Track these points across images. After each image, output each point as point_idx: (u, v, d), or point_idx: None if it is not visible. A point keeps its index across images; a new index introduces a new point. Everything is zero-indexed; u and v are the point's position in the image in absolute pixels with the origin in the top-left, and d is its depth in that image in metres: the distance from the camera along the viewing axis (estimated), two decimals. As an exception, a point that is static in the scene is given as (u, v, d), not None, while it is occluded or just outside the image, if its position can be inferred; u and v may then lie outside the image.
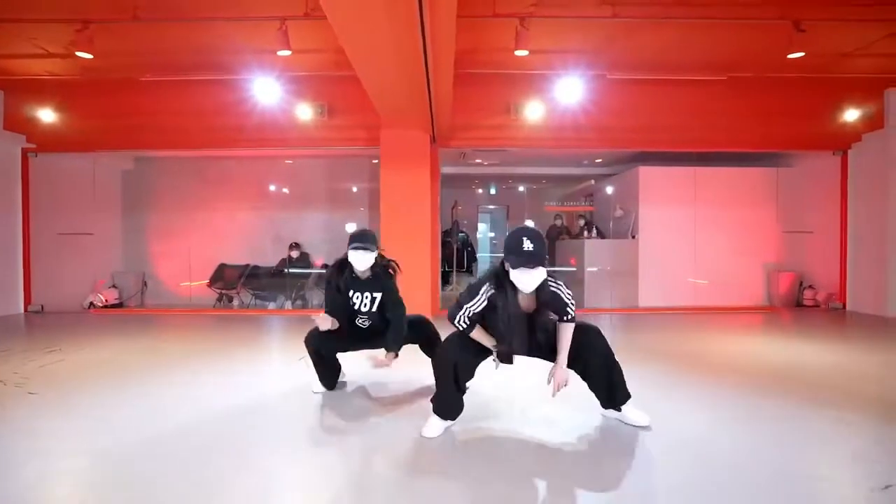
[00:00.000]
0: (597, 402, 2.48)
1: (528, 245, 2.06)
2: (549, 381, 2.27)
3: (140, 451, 2.16)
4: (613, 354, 2.39)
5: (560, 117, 5.96)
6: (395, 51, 3.51)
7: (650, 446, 2.20)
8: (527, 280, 2.11)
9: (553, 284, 2.22)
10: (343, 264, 2.79)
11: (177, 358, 3.98)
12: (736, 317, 6.30)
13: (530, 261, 2.06)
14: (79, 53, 4.27)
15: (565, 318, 2.25)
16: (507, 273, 2.16)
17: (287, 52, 4.28)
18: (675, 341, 4.66)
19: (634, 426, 2.38)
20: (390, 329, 2.79)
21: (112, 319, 6.08)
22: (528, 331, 2.26)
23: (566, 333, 2.27)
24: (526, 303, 2.23)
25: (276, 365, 3.88)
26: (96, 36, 4.20)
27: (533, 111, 6.00)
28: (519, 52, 4.40)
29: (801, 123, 6.42)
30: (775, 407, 2.71)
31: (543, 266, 2.11)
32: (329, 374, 3.01)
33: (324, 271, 7.47)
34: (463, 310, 2.22)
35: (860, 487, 1.85)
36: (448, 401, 2.36)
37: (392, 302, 2.80)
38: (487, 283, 2.20)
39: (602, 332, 2.38)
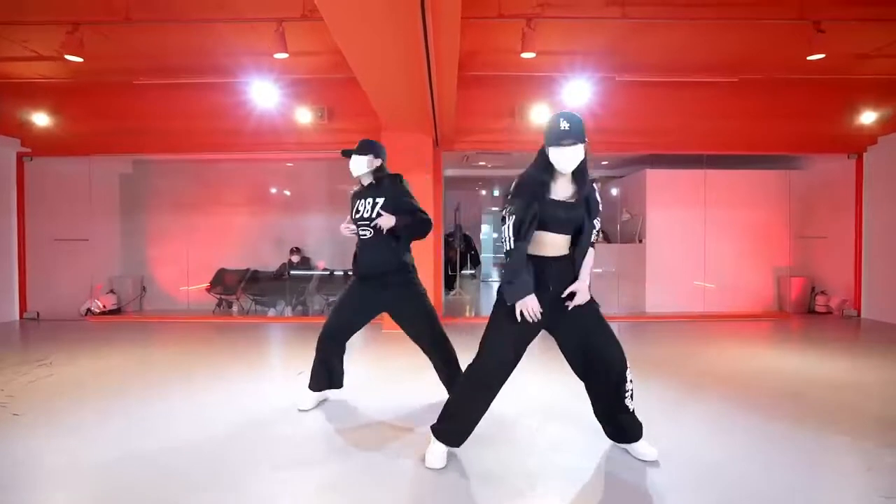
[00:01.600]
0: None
1: (564, 125, 2.07)
2: (564, 294, 2.16)
3: (127, 471, 2.04)
4: (626, 392, 2.21)
5: (566, 120, 5.78)
6: (396, 54, 3.35)
7: (659, 474, 2.06)
8: (563, 159, 2.09)
9: (595, 182, 2.21)
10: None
11: (172, 372, 3.85)
12: (746, 324, 6.14)
13: (566, 137, 2.06)
14: (68, 57, 4.12)
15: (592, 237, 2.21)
16: (547, 160, 2.12)
17: (284, 55, 4.15)
18: (683, 353, 4.51)
19: (641, 460, 2.22)
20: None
21: (109, 327, 5.97)
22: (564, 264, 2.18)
23: (590, 257, 2.22)
24: (567, 193, 2.17)
25: (276, 378, 3.74)
26: (87, 38, 4.05)
27: (538, 114, 5.83)
28: (525, 55, 4.25)
29: (815, 126, 6.24)
30: (785, 429, 2.58)
31: (582, 143, 2.09)
32: (327, 370, 2.90)
33: (325, 275, 7.38)
34: (512, 224, 2.10)
35: None
36: (468, 428, 2.22)
37: (409, 209, 2.70)
38: (529, 178, 2.14)
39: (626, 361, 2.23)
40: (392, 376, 3.70)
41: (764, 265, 7.10)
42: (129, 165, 7.42)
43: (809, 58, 4.24)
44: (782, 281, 7.07)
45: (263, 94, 5.43)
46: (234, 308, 7.11)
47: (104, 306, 6.83)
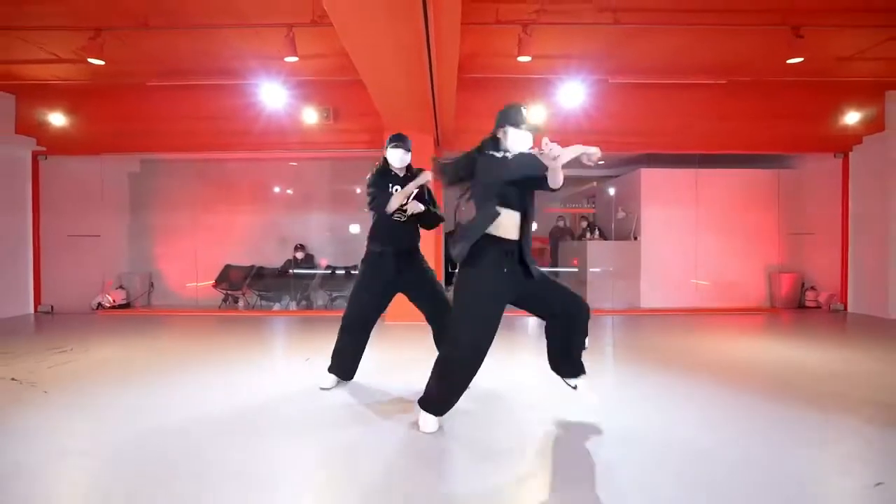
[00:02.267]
0: (603, 407, 2.55)
1: (525, 111, 2.35)
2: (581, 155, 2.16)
3: (145, 447, 2.24)
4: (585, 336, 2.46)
5: (562, 121, 6.02)
6: (400, 58, 3.59)
7: (645, 448, 2.26)
8: (521, 140, 2.33)
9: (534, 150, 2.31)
10: (382, 168, 3.14)
11: (184, 358, 4.07)
12: (738, 318, 6.34)
13: (526, 123, 2.32)
14: (91, 60, 4.36)
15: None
16: (496, 140, 2.36)
17: (294, 59, 4.38)
18: (675, 343, 4.71)
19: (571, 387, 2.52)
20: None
21: (120, 320, 6.18)
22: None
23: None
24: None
25: (283, 365, 3.97)
26: (107, 43, 4.29)
27: (535, 115, 6.06)
28: (522, 59, 4.48)
29: (803, 126, 6.47)
30: (771, 410, 2.76)
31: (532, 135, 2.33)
32: (353, 357, 3.17)
33: (328, 272, 7.59)
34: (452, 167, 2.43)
35: (854, 486, 1.92)
36: (453, 400, 2.42)
37: (430, 202, 3.15)
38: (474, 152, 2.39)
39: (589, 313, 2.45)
40: (399, 363, 3.92)
41: (756, 262, 7.30)
42: (136, 164, 7.63)
43: (789, 61, 4.48)
44: (773, 277, 7.27)
45: (271, 95, 5.65)
46: (240, 303, 7.32)
47: (114, 301, 7.04)
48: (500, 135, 2.35)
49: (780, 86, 6.10)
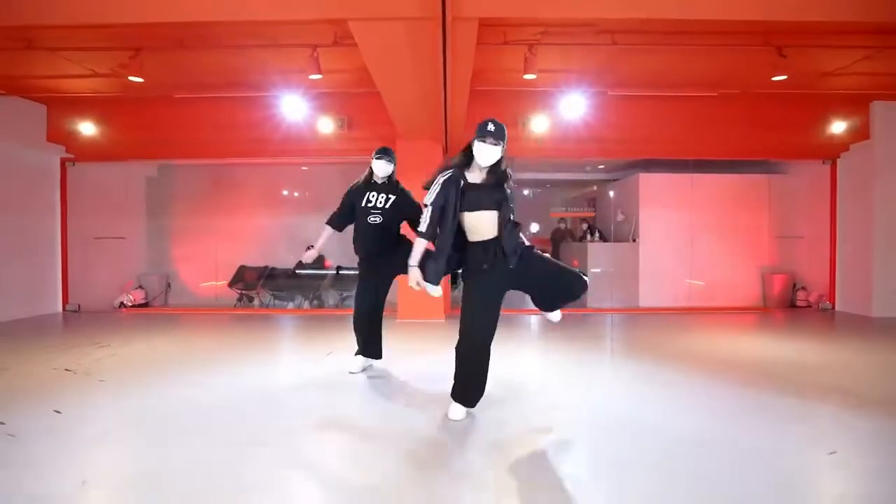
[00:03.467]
0: (602, 400, 2.83)
1: (491, 126, 2.50)
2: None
3: (212, 411, 2.60)
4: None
5: (564, 130, 6.38)
6: (419, 78, 3.96)
7: (644, 439, 2.59)
8: (485, 153, 2.50)
9: (511, 175, 2.59)
10: (367, 178, 3.45)
11: (214, 352, 4.44)
12: (731, 316, 6.65)
13: (490, 136, 2.48)
14: (132, 78, 4.72)
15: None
16: (468, 153, 2.56)
17: (318, 76, 4.73)
18: (672, 340, 5.02)
19: (550, 320, 2.87)
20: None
21: (143, 318, 6.52)
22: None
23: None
24: (481, 179, 2.58)
25: (307, 357, 4.31)
26: (144, 61, 4.64)
27: (539, 124, 6.43)
28: (527, 76, 4.83)
29: (792, 134, 6.78)
30: (768, 403, 2.99)
31: (502, 146, 2.51)
32: (371, 340, 3.52)
33: (336, 273, 7.90)
34: (429, 209, 2.60)
35: (813, 455, 2.27)
36: (472, 388, 2.66)
37: (410, 204, 3.36)
38: (445, 170, 2.61)
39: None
40: (412, 354, 4.27)
41: (749, 263, 7.60)
42: (154, 169, 7.95)
43: (774, 78, 4.84)
44: (766, 278, 7.60)
45: (291, 107, 6.01)
46: (255, 302, 7.65)
47: (134, 300, 7.37)
48: (472, 146, 2.54)
49: (770, 97, 6.41)
